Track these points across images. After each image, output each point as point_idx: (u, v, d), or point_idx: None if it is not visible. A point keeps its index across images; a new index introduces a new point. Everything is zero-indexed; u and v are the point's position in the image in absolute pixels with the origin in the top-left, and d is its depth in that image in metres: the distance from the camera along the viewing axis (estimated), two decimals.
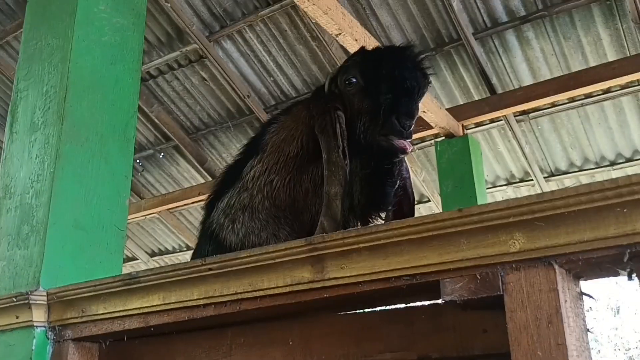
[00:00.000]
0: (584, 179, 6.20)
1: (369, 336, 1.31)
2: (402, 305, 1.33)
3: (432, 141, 6.03)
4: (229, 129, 6.87)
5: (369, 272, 1.20)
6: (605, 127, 5.72)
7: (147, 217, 7.98)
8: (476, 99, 5.69)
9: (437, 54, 5.56)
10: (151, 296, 1.52)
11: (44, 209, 1.89)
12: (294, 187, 1.95)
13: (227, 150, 7.07)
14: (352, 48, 4.18)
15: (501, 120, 5.87)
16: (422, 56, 1.97)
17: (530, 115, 5.83)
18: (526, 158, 6.12)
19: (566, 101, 5.59)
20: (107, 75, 2.16)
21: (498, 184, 6.56)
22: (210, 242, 2.05)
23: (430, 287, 1.15)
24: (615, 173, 5.99)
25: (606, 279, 1.11)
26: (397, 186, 1.94)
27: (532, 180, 6.31)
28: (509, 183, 6.51)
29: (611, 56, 5.11)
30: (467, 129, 5.57)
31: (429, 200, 6.83)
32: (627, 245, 0.95)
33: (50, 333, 1.72)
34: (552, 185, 6.32)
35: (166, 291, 1.49)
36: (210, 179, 7.07)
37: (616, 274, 1.03)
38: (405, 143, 1.81)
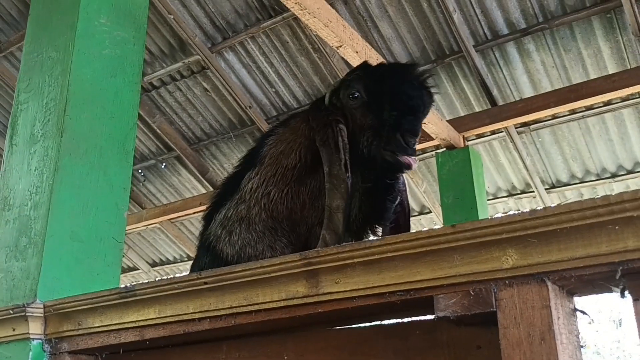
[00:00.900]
0: (585, 190, 6.19)
1: (363, 351, 1.31)
2: (397, 320, 1.33)
3: (433, 152, 6.04)
4: (230, 139, 6.90)
5: (363, 287, 1.20)
6: (606, 139, 5.73)
7: (149, 227, 8.00)
8: (477, 110, 5.70)
9: (438, 66, 5.59)
10: (147, 309, 1.52)
11: (42, 221, 1.90)
12: (292, 199, 1.96)
13: (228, 161, 7.09)
14: (353, 60, 4.20)
15: (502, 131, 5.88)
16: (427, 75, 1.98)
17: (531, 127, 5.84)
18: (527, 169, 6.12)
19: (567, 113, 5.60)
20: (106, 87, 2.17)
21: (499, 195, 6.55)
22: (207, 254, 2.05)
23: (424, 303, 1.15)
24: (616, 185, 5.99)
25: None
26: (397, 201, 1.95)
27: (533, 191, 6.31)
28: (510, 194, 6.51)
29: (612, 69, 5.13)
30: (468, 141, 5.58)
31: (430, 212, 6.82)
32: (619, 263, 0.95)
33: (46, 346, 1.71)
34: (553, 197, 6.31)
35: (162, 305, 1.49)
36: (211, 189, 7.08)
37: (609, 291, 1.03)
38: (410, 159, 1.84)
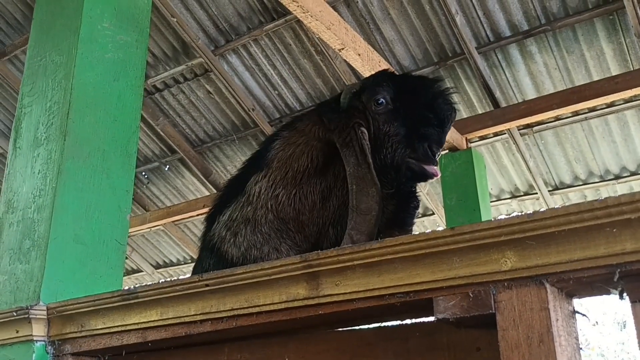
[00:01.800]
0: (589, 192, 6.18)
1: (364, 353, 1.31)
2: (398, 323, 1.34)
3: None
4: (233, 141, 6.91)
5: (363, 290, 1.21)
6: (610, 140, 5.72)
7: (152, 229, 8.02)
8: (480, 112, 5.70)
9: (441, 68, 5.59)
10: (149, 311, 1.53)
11: (46, 224, 1.91)
12: (300, 200, 1.97)
13: (231, 163, 7.11)
14: (355, 62, 4.21)
15: (505, 133, 5.88)
16: (454, 91, 2.07)
17: (534, 128, 5.84)
18: (530, 171, 6.11)
19: (570, 115, 5.59)
20: (109, 91, 2.18)
21: (502, 197, 6.55)
22: (211, 255, 2.06)
23: (423, 305, 1.15)
24: (620, 187, 5.98)
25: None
26: (418, 207, 2.01)
27: (536, 193, 6.30)
28: (514, 196, 6.50)
29: (614, 70, 5.12)
30: (470, 143, 5.57)
31: (433, 213, 6.82)
32: (616, 265, 0.96)
33: (49, 347, 1.73)
34: (556, 199, 6.30)
35: (164, 307, 1.50)
36: (215, 191, 7.10)
37: (608, 293, 1.04)
38: (435, 168, 1.91)
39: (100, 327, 1.62)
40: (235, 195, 2.09)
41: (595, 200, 0.97)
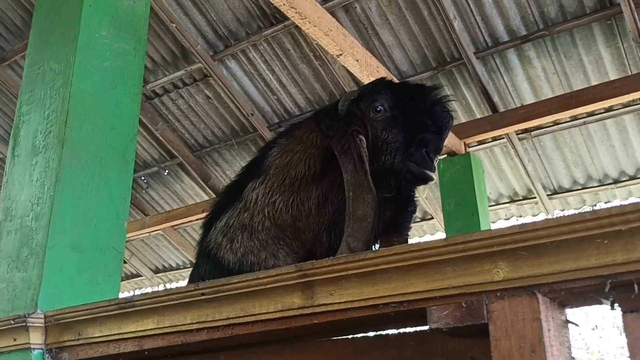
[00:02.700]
0: (587, 196, 6.19)
1: None
2: (393, 331, 1.34)
3: None
4: (232, 146, 6.92)
5: (357, 299, 1.22)
6: (608, 145, 5.73)
7: (151, 234, 8.02)
8: (478, 117, 5.71)
9: (439, 73, 5.61)
10: (146, 320, 1.53)
11: (44, 232, 1.92)
12: (297, 207, 1.98)
13: (230, 168, 7.12)
14: (354, 68, 4.23)
15: (503, 138, 5.89)
16: (451, 99, 2.10)
17: (533, 133, 5.85)
18: (529, 176, 6.12)
19: (568, 119, 5.61)
20: (107, 99, 2.19)
21: (501, 202, 6.55)
22: (207, 261, 2.06)
23: (417, 314, 1.16)
24: (618, 191, 5.99)
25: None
26: (416, 211, 2.01)
27: (535, 198, 6.31)
28: (512, 200, 6.51)
29: (613, 75, 5.14)
30: (469, 147, 5.58)
31: (432, 218, 6.83)
32: (608, 276, 0.96)
33: (47, 355, 1.73)
34: (555, 203, 6.31)
35: (160, 315, 1.51)
36: (214, 196, 7.10)
37: (600, 303, 1.04)
38: (432, 173, 1.94)
39: (97, 335, 1.63)
40: (233, 201, 2.10)
41: (587, 211, 0.98)
